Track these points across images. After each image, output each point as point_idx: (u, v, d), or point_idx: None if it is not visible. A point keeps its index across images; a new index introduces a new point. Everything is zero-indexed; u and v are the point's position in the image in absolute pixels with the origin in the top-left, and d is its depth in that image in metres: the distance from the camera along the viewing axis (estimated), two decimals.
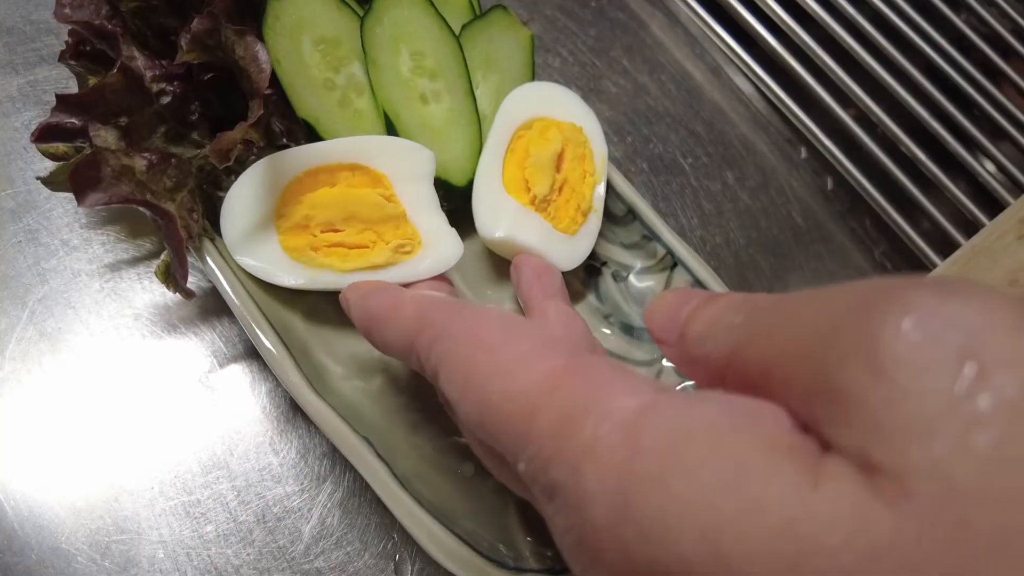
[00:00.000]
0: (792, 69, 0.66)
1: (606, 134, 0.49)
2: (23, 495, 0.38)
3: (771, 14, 0.68)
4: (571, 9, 0.66)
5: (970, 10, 0.72)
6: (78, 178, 0.34)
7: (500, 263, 0.45)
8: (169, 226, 0.36)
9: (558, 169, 0.45)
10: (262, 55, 0.37)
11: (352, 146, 0.40)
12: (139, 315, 0.43)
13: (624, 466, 0.16)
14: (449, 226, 0.41)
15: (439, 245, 0.40)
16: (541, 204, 0.43)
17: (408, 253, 0.39)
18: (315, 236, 0.39)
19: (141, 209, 0.36)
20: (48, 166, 0.45)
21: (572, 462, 0.18)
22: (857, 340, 0.15)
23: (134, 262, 0.45)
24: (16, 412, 0.39)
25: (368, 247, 0.39)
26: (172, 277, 0.38)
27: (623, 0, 0.70)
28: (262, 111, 0.36)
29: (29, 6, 0.52)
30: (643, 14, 0.70)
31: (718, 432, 0.16)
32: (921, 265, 0.58)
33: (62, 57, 0.40)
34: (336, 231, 0.39)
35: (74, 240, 0.44)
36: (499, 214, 0.43)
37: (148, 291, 0.44)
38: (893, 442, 0.14)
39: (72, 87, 0.45)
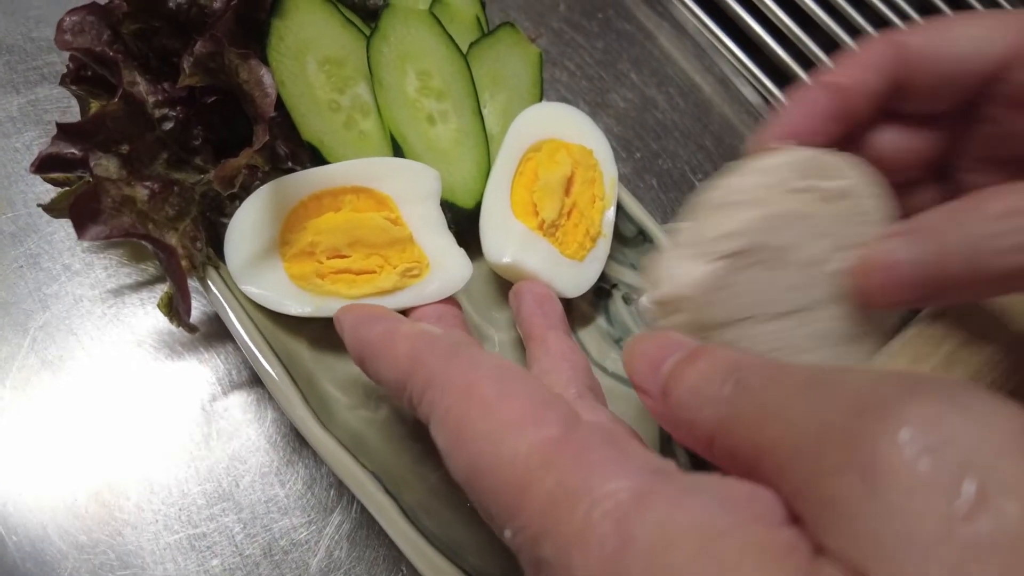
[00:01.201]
0: (800, 79, 0.65)
1: (614, 149, 0.48)
2: (25, 529, 0.37)
3: (778, 23, 0.67)
4: (578, 22, 0.66)
5: None
6: (78, 210, 0.33)
7: (508, 286, 0.44)
8: (171, 260, 0.35)
9: (567, 193, 0.44)
10: (267, 79, 0.36)
11: (356, 168, 0.40)
12: (142, 342, 0.42)
13: (613, 559, 0.16)
14: (457, 246, 0.40)
15: (447, 267, 0.40)
16: (549, 229, 0.43)
17: (416, 277, 0.39)
18: (321, 263, 0.38)
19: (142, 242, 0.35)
20: (49, 189, 0.44)
21: (562, 545, 0.17)
22: (852, 448, 0.15)
23: (137, 287, 0.44)
24: (17, 442, 0.39)
25: (375, 272, 0.38)
26: (175, 310, 0.37)
27: (629, 11, 0.69)
28: (267, 137, 0.35)
29: (30, 23, 0.52)
30: (650, 25, 0.69)
31: (710, 533, 0.16)
32: None
33: (63, 81, 0.39)
34: (342, 256, 0.39)
35: (76, 265, 0.44)
36: (506, 239, 0.42)
37: (151, 317, 0.43)
38: (889, 560, 0.14)
39: (74, 106, 0.45)
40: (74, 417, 0.40)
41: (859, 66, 0.33)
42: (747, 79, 0.67)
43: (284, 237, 0.38)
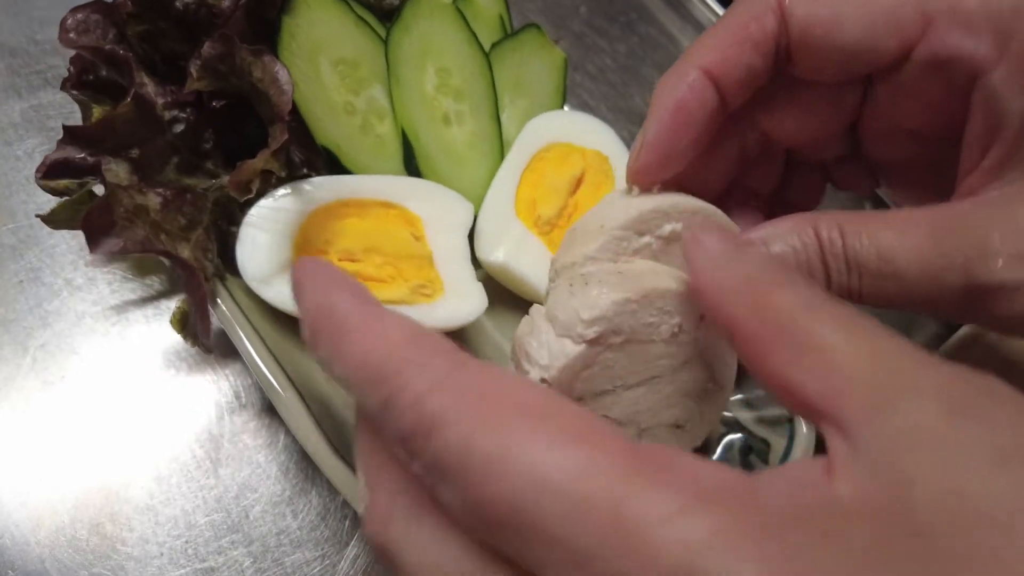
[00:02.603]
0: None
1: None
2: (23, 564, 0.34)
3: None
4: (600, 25, 0.63)
5: None
6: (91, 223, 0.31)
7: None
8: (191, 280, 0.33)
9: (572, 194, 0.42)
10: (282, 75, 0.34)
11: (388, 184, 0.38)
12: (147, 361, 0.40)
13: None
14: (476, 280, 0.38)
15: (462, 295, 0.37)
16: (544, 226, 0.40)
17: (427, 296, 0.36)
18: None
19: (161, 259, 0.33)
20: (51, 199, 0.42)
21: None
22: None
23: (142, 303, 0.42)
24: (15, 469, 0.36)
25: (386, 282, 0.36)
26: (191, 330, 0.35)
27: (652, 14, 0.66)
28: (285, 136, 0.33)
29: (34, 25, 0.50)
30: (673, 28, 0.67)
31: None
32: None
33: (64, 86, 0.37)
34: (354, 260, 0.36)
35: (78, 279, 0.41)
36: (502, 236, 0.40)
37: (156, 334, 0.41)
38: None
39: (78, 113, 0.42)
40: (75, 442, 0.37)
41: (735, 43, 0.30)
42: None
43: (303, 235, 0.36)
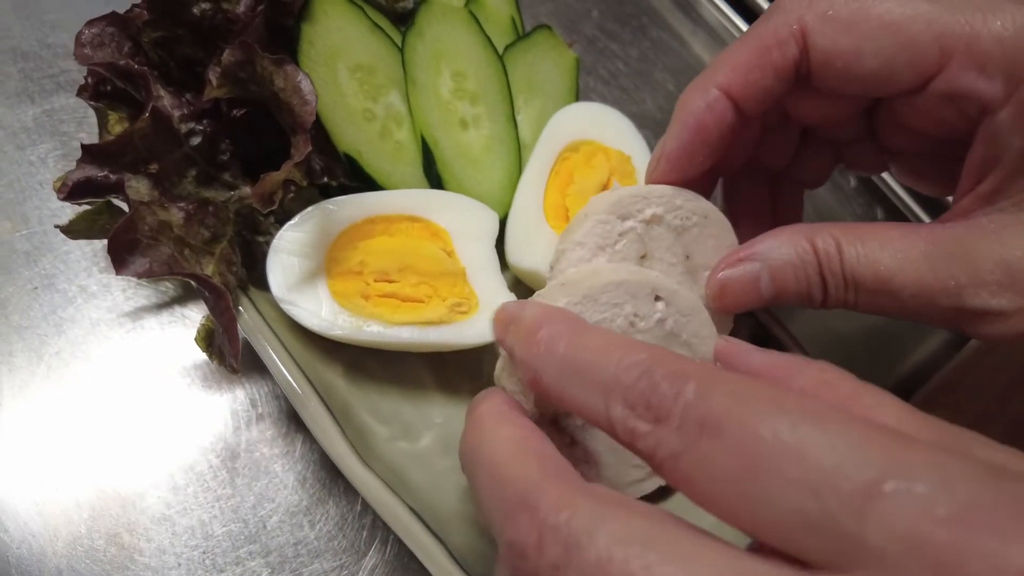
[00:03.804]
0: None
1: None
2: (39, 574, 0.34)
3: None
4: (611, 29, 0.63)
5: None
6: (116, 244, 0.31)
7: None
8: (219, 302, 0.32)
9: None
10: (305, 85, 0.33)
11: (413, 198, 0.38)
12: (164, 371, 0.40)
13: None
14: (508, 291, 0.38)
15: (495, 309, 0.37)
16: None
17: (464, 313, 0.36)
18: (367, 284, 0.36)
19: (190, 281, 0.33)
20: (65, 205, 0.42)
21: None
22: None
23: (157, 310, 0.41)
24: (30, 478, 0.36)
25: (423, 302, 0.36)
26: (217, 349, 0.35)
27: (663, 18, 0.66)
28: (309, 148, 0.33)
29: (45, 28, 0.49)
30: (684, 32, 0.66)
31: None
32: None
33: (80, 94, 0.37)
34: (390, 281, 0.36)
35: (92, 286, 0.41)
36: (534, 243, 0.40)
37: (171, 342, 0.40)
38: None
39: (90, 117, 0.42)
40: (91, 451, 0.37)
41: (757, 67, 0.32)
42: None
43: (332, 254, 0.36)
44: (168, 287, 0.42)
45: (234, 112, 0.37)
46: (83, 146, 0.32)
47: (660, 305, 0.35)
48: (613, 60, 0.62)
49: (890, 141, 0.36)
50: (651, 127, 0.60)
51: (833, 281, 0.31)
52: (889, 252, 0.30)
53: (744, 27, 0.65)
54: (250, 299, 0.35)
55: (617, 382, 0.22)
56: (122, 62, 0.33)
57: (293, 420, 0.39)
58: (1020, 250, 0.28)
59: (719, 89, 0.32)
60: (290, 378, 0.33)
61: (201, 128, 0.36)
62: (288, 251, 0.34)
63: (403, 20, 0.44)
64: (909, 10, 0.29)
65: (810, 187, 0.43)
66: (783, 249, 0.32)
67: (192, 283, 0.33)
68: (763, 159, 0.40)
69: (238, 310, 0.35)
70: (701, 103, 0.33)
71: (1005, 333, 0.29)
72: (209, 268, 0.34)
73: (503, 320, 0.29)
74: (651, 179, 0.36)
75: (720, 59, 0.33)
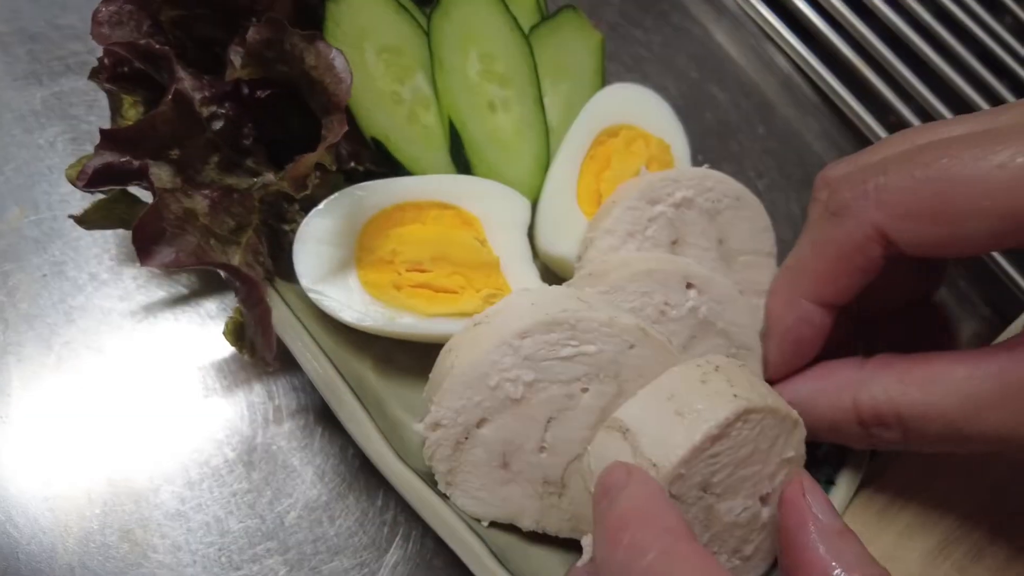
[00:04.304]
0: (865, 78, 0.61)
1: (691, 156, 0.44)
2: (51, 571, 0.33)
3: (840, 19, 0.63)
4: (633, 15, 0.61)
5: None
6: (142, 234, 0.30)
7: None
8: (252, 294, 0.31)
9: None
10: (339, 62, 0.32)
11: (444, 184, 0.36)
12: (178, 363, 0.38)
13: None
14: (541, 282, 0.37)
15: None
16: None
17: None
18: (399, 274, 0.35)
19: (220, 272, 0.31)
20: (75, 191, 0.40)
21: None
22: None
23: (170, 299, 0.40)
24: (41, 471, 0.35)
25: (456, 292, 0.34)
26: (249, 343, 0.33)
27: (684, 5, 0.65)
28: (345, 128, 0.31)
29: (55, 9, 0.48)
30: (706, 20, 0.65)
31: None
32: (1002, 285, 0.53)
33: (94, 76, 0.35)
34: (423, 271, 0.35)
35: (103, 274, 0.40)
36: (565, 229, 0.38)
37: (186, 333, 0.39)
38: None
39: (101, 99, 0.41)
40: (102, 445, 0.36)
41: (844, 274, 0.31)
42: (808, 77, 0.63)
43: (362, 243, 0.34)
44: (181, 277, 0.41)
45: (258, 94, 0.35)
46: (102, 131, 0.31)
47: (692, 293, 0.34)
48: (635, 46, 0.60)
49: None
50: (674, 114, 0.58)
51: (886, 437, 0.30)
52: (958, 401, 0.28)
53: (766, 14, 0.64)
54: (276, 290, 0.34)
55: None
56: (143, 42, 0.32)
57: (311, 413, 0.38)
58: None
59: (809, 300, 0.32)
60: (324, 372, 0.32)
61: (223, 112, 0.35)
62: (316, 239, 0.33)
63: (426, 1, 0.42)
64: (997, 177, 0.26)
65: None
66: (822, 404, 0.31)
67: (221, 274, 0.31)
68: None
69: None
70: (793, 318, 0.33)
71: None
72: (236, 258, 0.32)
73: (605, 487, 0.27)
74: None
75: (798, 267, 0.33)
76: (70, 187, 0.41)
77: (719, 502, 0.28)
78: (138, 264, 0.40)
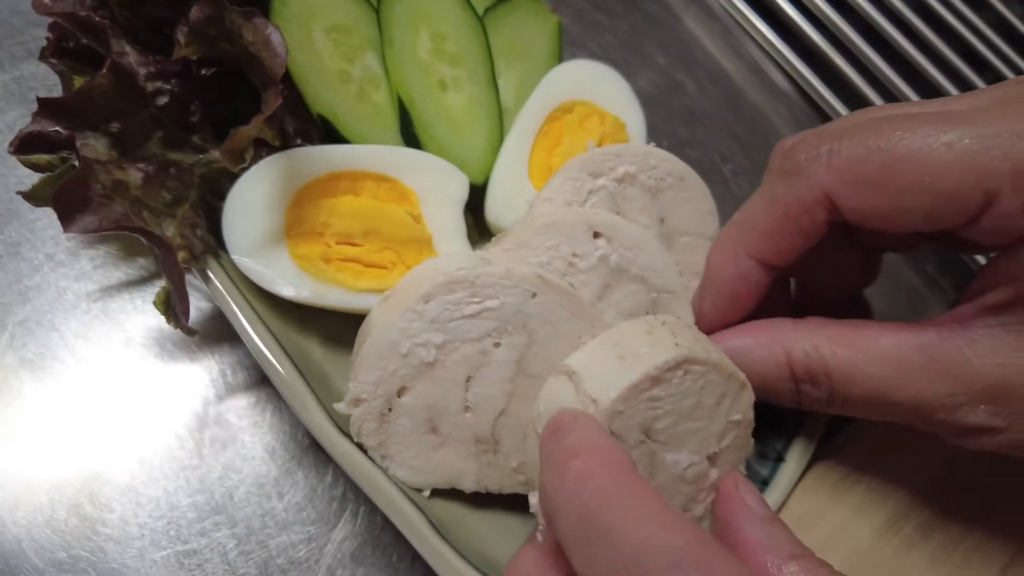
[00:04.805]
0: (836, 66, 0.61)
1: (647, 138, 0.44)
2: None
3: (811, 6, 0.63)
4: (601, 2, 0.62)
5: None
6: (63, 200, 0.30)
7: None
8: (167, 257, 0.31)
9: None
10: (275, 37, 0.32)
11: (381, 155, 0.36)
12: (131, 340, 0.39)
13: None
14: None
15: None
16: None
17: None
18: (329, 246, 0.35)
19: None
20: (32, 173, 0.41)
21: None
22: None
23: (126, 281, 0.40)
24: None
25: (387, 268, 0.35)
26: (173, 311, 0.34)
27: None
28: (279, 101, 0.31)
29: None
30: (676, 7, 0.65)
31: None
32: (969, 271, 0.54)
33: (43, 55, 0.35)
34: (353, 244, 0.35)
35: (60, 255, 0.40)
36: (516, 202, 0.39)
37: (141, 312, 0.39)
38: None
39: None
40: (54, 421, 0.36)
41: (787, 235, 0.31)
42: (778, 64, 0.63)
43: (292, 212, 0.34)
44: (137, 259, 0.41)
45: (203, 72, 0.36)
46: (39, 99, 0.31)
47: (600, 242, 0.34)
48: (602, 33, 0.60)
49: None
50: (641, 101, 0.58)
51: (813, 395, 0.31)
52: (884, 366, 0.29)
53: (736, 1, 0.64)
54: (221, 265, 0.34)
55: (639, 564, 0.20)
56: (83, 13, 0.32)
57: (262, 391, 0.38)
58: (1018, 370, 0.27)
59: (750, 257, 0.32)
60: (262, 344, 0.32)
61: (169, 88, 0.35)
62: (246, 206, 0.33)
63: None
64: (941, 155, 0.26)
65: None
66: (754, 356, 0.32)
67: (141, 239, 0.32)
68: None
69: (207, 276, 0.34)
70: (733, 271, 0.33)
71: (995, 445, 0.29)
72: (170, 230, 0.33)
73: (552, 429, 0.27)
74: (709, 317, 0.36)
75: (745, 223, 0.33)
76: (28, 171, 0.41)
77: (664, 451, 0.29)
78: (94, 245, 0.41)
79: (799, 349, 0.30)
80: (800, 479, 0.37)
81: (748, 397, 0.31)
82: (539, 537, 0.27)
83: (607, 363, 0.28)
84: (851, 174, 0.28)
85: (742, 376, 0.30)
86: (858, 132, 0.28)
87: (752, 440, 0.33)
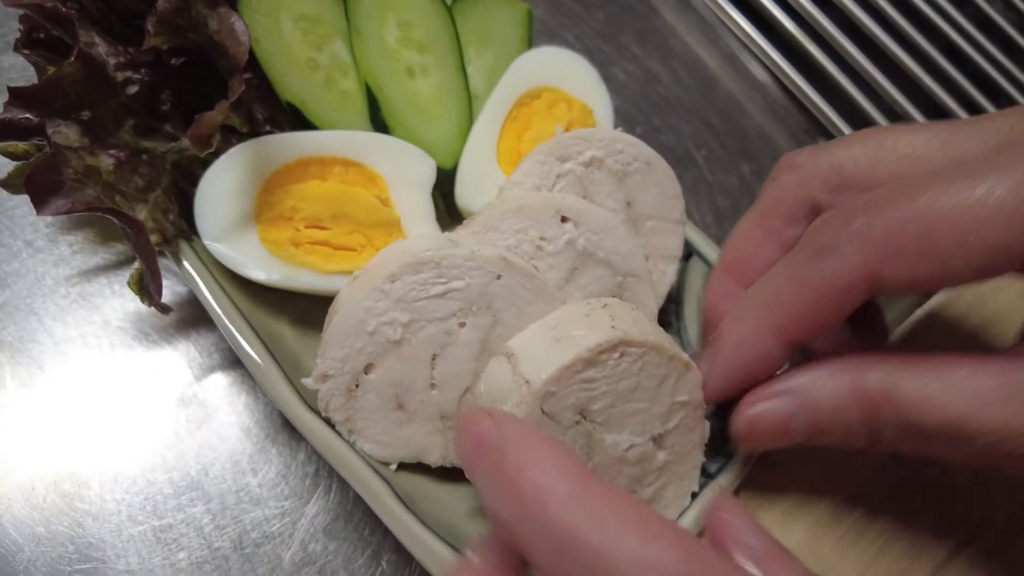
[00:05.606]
0: (811, 55, 0.62)
1: (614, 125, 0.45)
2: None
3: None
4: None
5: None
6: (35, 183, 0.31)
7: None
8: (139, 236, 0.32)
9: None
10: (239, 26, 0.33)
11: (349, 141, 0.37)
12: (108, 323, 0.40)
13: None
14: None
15: None
16: None
17: None
18: (298, 230, 0.36)
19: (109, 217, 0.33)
20: (8, 162, 0.42)
21: None
22: None
23: (104, 266, 0.41)
24: None
25: (355, 251, 0.36)
26: (146, 289, 0.35)
27: None
28: (243, 87, 0.32)
29: None
30: None
31: None
32: None
33: (16, 47, 0.36)
34: (322, 228, 0.36)
35: (39, 241, 0.41)
36: (484, 187, 0.40)
37: (119, 296, 0.40)
38: None
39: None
40: (33, 402, 0.37)
41: (821, 322, 0.30)
42: (754, 54, 0.64)
43: (262, 198, 0.35)
44: (117, 245, 0.42)
45: (173, 61, 0.37)
46: (10, 88, 0.32)
47: (568, 226, 0.34)
48: (579, 23, 0.61)
49: None
50: (616, 90, 0.59)
51: (886, 429, 0.29)
52: (960, 394, 0.27)
53: None
54: (193, 250, 0.35)
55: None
56: (49, 4, 0.33)
57: (238, 372, 0.39)
58: None
59: (776, 339, 0.31)
60: (229, 324, 0.33)
61: (139, 77, 0.36)
62: (217, 193, 0.34)
63: None
64: (979, 212, 0.26)
65: None
66: (822, 388, 0.29)
67: (113, 220, 0.33)
68: None
69: (179, 260, 0.35)
70: (752, 352, 0.31)
71: None
72: (143, 214, 0.34)
73: (473, 441, 0.23)
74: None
75: (770, 304, 0.31)
76: (5, 160, 0.42)
77: (602, 431, 0.30)
78: (73, 232, 0.42)
79: (872, 378, 0.29)
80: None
81: (694, 378, 0.32)
82: (471, 556, 0.24)
83: (542, 345, 0.29)
84: (890, 248, 0.27)
85: (685, 357, 0.31)
86: (885, 202, 0.28)
87: (706, 423, 0.33)
